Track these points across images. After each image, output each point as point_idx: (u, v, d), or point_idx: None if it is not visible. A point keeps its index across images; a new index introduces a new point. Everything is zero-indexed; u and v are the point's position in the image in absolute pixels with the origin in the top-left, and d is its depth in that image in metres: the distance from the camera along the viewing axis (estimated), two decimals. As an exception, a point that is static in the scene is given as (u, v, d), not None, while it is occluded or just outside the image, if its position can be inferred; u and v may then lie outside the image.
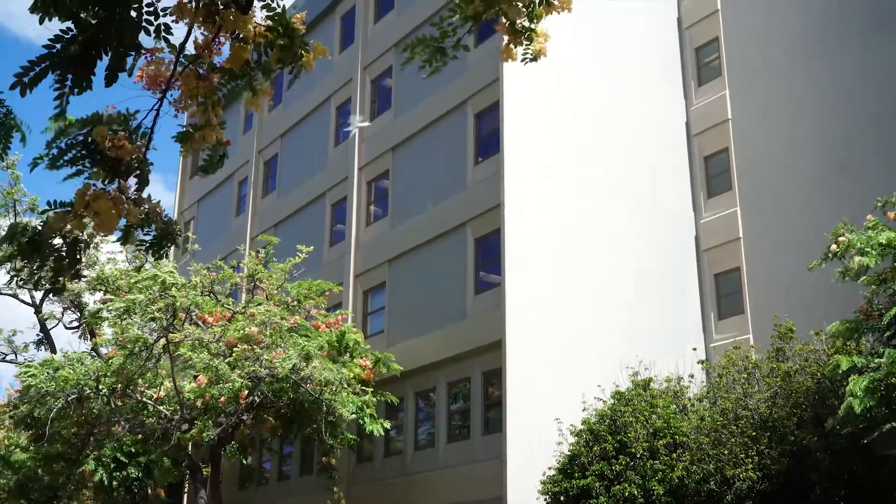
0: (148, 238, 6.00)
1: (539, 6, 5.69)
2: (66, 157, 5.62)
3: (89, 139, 5.48)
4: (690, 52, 31.48)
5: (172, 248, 6.34)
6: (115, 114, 5.57)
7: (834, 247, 16.89)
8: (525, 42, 5.94)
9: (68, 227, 5.44)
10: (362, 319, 29.81)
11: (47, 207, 5.64)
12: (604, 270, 26.34)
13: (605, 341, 24.93)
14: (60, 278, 5.92)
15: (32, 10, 5.66)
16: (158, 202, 5.87)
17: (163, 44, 5.68)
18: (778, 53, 28.76)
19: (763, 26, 29.47)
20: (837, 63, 27.00)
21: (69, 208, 5.46)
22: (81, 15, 5.59)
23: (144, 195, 5.73)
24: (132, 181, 5.69)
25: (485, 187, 26.19)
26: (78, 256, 5.72)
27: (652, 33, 31.01)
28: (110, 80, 5.44)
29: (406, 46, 6.47)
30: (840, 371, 15.94)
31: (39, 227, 5.67)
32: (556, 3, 5.62)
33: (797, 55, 28.16)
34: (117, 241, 5.91)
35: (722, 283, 28.45)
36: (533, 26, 5.86)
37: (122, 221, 5.67)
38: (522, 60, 6.17)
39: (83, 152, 5.52)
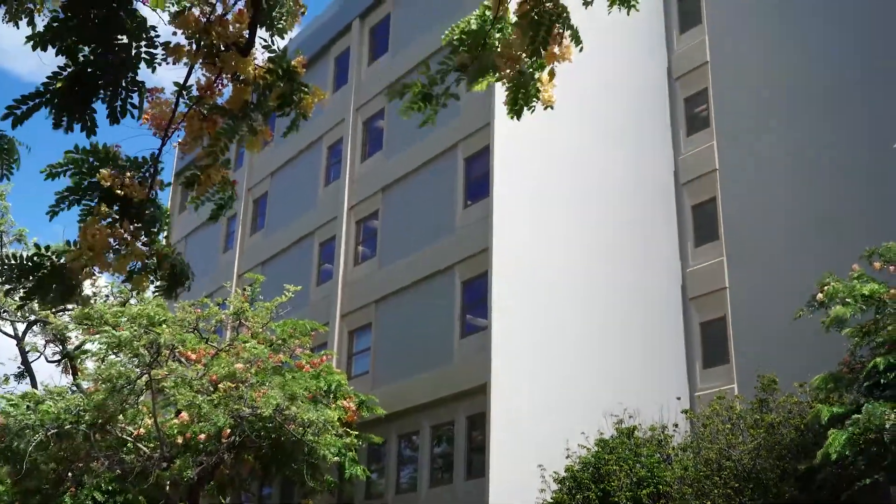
0: (161, 283, 6.00)
1: (542, 57, 5.75)
2: (72, 197, 5.64)
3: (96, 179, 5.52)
4: (680, 103, 31.78)
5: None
6: (125, 157, 5.60)
7: (820, 295, 16.98)
8: (531, 93, 6.00)
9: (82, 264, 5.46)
10: (347, 360, 29.70)
11: (66, 246, 5.67)
12: (590, 317, 26.36)
13: (590, 388, 24.89)
14: (50, 306, 5.95)
15: (29, 42, 5.69)
16: (169, 245, 5.87)
17: (166, 84, 5.72)
18: (766, 105, 29.06)
19: (751, 79, 29.79)
20: (824, 116, 27.28)
21: (80, 244, 5.50)
22: (79, 55, 5.63)
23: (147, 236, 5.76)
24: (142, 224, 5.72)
25: (473, 230, 26.25)
26: (75, 284, 5.73)
27: (642, 83, 31.31)
28: (113, 118, 5.47)
29: (392, 91, 6.44)
30: (821, 421, 15.99)
31: (54, 262, 5.69)
32: (557, 52, 5.68)
33: (785, 108, 28.47)
34: (124, 281, 5.92)
35: (707, 332, 28.49)
36: (538, 78, 5.91)
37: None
38: (529, 109, 6.22)
39: (90, 191, 5.55)
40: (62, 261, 5.59)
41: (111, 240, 5.48)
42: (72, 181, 5.65)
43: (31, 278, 5.66)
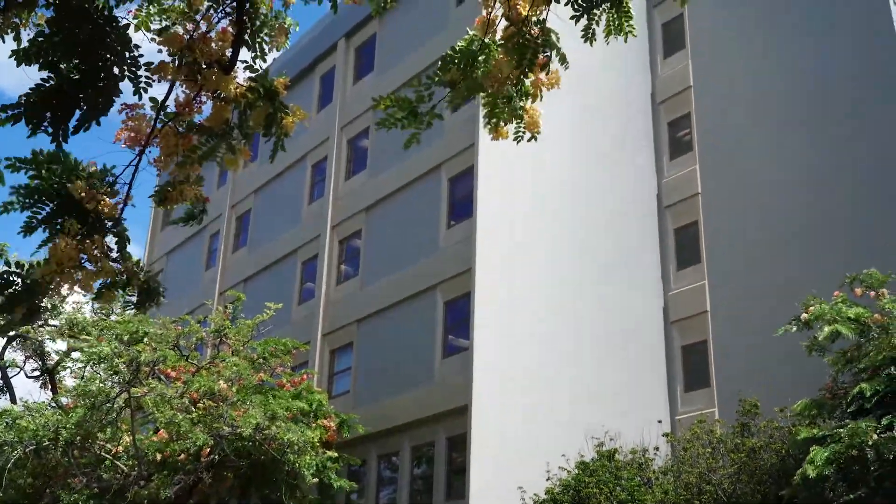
0: (132, 298, 5.98)
1: (528, 84, 5.76)
2: (39, 216, 5.60)
3: (65, 192, 5.48)
4: (663, 126, 31.94)
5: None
6: (95, 170, 5.57)
7: (805, 315, 16.98)
8: (516, 121, 5.99)
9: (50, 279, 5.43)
10: (328, 379, 29.57)
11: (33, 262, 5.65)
12: (572, 339, 26.35)
13: (571, 410, 24.86)
14: (13, 320, 5.89)
15: (14, 57, 5.67)
16: (138, 261, 5.84)
17: (145, 101, 5.70)
18: (748, 130, 29.22)
19: (735, 104, 29.97)
20: (807, 141, 27.45)
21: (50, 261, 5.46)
22: (61, 66, 5.61)
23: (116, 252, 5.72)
24: (111, 239, 5.69)
25: (456, 251, 26.24)
26: (38, 303, 5.69)
27: (626, 106, 31.45)
28: (78, 129, 5.45)
29: (378, 100, 6.33)
30: (798, 439, 15.99)
31: (24, 278, 5.65)
32: (544, 79, 5.69)
33: (767, 132, 28.63)
34: (93, 298, 5.88)
35: (689, 355, 28.53)
36: (523, 104, 5.91)
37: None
38: (516, 139, 6.20)
39: (58, 205, 5.51)
40: (31, 278, 5.55)
41: (81, 256, 5.45)
42: (29, 181, 5.60)
43: (2, 295, 5.61)
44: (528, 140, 6.26)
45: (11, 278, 5.63)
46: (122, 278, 5.78)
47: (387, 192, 30.11)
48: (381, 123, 6.20)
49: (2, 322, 6.12)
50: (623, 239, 29.17)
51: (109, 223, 5.58)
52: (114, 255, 5.68)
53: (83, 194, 5.39)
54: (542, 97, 5.94)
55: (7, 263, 5.88)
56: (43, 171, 5.54)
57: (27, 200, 5.61)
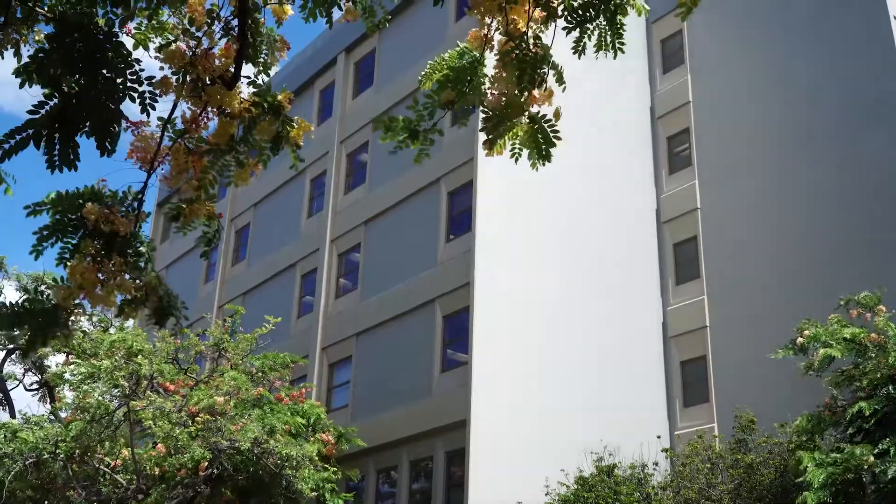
0: (151, 314, 5.99)
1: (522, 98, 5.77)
2: (70, 247, 5.62)
3: (81, 216, 5.50)
4: (662, 141, 32.01)
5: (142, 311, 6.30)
6: (110, 192, 5.59)
7: (800, 339, 16.98)
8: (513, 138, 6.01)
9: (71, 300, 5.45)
10: (327, 393, 29.54)
11: (53, 282, 5.65)
12: (571, 353, 26.34)
13: (570, 425, 24.83)
14: (36, 345, 5.90)
15: (16, 74, 5.68)
16: (156, 275, 5.85)
17: (148, 118, 5.72)
18: (747, 145, 29.29)
19: (733, 119, 30.05)
20: (805, 159, 27.51)
21: (69, 282, 5.48)
22: (64, 87, 5.62)
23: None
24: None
25: (455, 265, 26.26)
26: (65, 324, 5.70)
27: (625, 121, 31.52)
28: (102, 150, 5.46)
29: (377, 123, 6.36)
30: (801, 467, 15.96)
31: (46, 303, 5.66)
32: (537, 95, 5.71)
33: (766, 148, 28.69)
34: (117, 315, 5.90)
35: (688, 370, 28.51)
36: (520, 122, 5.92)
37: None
38: (512, 156, 6.22)
39: (76, 226, 5.54)
40: (53, 301, 5.57)
41: (100, 275, 5.47)
42: (50, 219, 5.63)
43: (30, 323, 5.62)
44: (544, 164, 6.27)
45: (36, 305, 5.63)
46: (141, 294, 5.79)
47: (386, 205, 30.15)
48: (393, 141, 6.22)
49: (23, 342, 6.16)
50: (622, 253, 29.19)
51: (131, 242, 5.60)
52: (134, 272, 5.69)
53: (96, 217, 5.41)
54: (550, 103, 5.94)
55: (26, 290, 5.85)
56: (66, 205, 5.56)
57: (53, 237, 5.64)
